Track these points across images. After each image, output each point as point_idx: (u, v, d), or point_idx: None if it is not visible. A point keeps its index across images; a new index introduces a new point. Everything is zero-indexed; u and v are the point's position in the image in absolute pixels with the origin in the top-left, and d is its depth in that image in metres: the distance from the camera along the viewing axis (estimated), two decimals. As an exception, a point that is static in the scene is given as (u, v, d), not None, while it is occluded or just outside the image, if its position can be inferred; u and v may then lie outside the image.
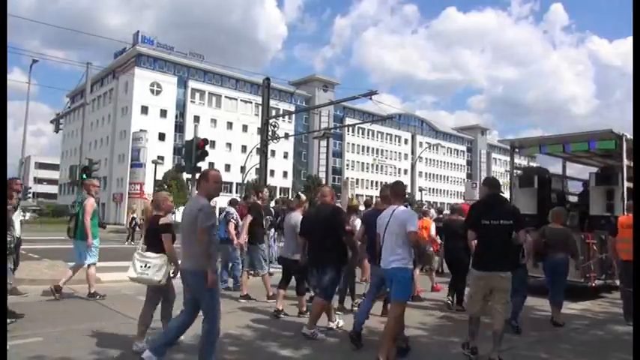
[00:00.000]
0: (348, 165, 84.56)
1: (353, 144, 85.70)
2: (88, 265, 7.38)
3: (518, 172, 11.06)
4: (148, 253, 4.74)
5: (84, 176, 17.59)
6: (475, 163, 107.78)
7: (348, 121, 75.64)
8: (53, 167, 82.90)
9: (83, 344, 4.66)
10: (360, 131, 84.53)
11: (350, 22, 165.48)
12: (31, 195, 43.49)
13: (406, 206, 4.98)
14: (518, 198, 10.04)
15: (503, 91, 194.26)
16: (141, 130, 56.87)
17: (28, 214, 45.46)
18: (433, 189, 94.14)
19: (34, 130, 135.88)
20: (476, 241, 4.96)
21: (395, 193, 5.00)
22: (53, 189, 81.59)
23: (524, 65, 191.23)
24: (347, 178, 75.34)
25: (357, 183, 75.28)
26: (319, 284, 5.58)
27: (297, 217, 6.41)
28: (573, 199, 11.47)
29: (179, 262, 4.49)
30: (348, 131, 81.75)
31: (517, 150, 10.71)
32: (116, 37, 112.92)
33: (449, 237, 7.64)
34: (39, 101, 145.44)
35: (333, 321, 5.79)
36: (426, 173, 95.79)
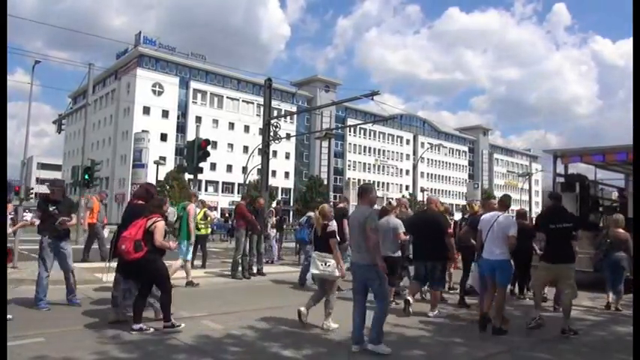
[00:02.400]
0: (349, 165, 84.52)
1: (355, 144, 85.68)
2: (185, 260, 8.60)
3: (560, 178, 11.74)
4: (325, 254, 5.87)
5: (86, 176, 17.59)
6: (477, 164, 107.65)
7: (350, 121, 75.64)
8: (55, 168, 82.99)
9: (84, 345, 4.66)
10: (362, 132, 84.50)
11: (352, 23, 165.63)
12: (33, 195, 43.55)
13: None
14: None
15: (506, 92, 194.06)
16: (143, 131, 56.97)
17: (30, 215, 45.54)
18: (435, 189, 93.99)
19: (36, 130, 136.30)
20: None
21: (502, 203, 6.52)
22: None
23: (527, 65, 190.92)
24: (349, 178, 75.51)
25: (358, 183, 75.33)
26: (432, 278, 6.92)
27: (394, 220, 7.28)
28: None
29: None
30: (350, 132, 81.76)
31: (559, 158, 11.43)
32: (119, 38, 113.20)
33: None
34: (41, 102, 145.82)
35: (433, 311, 6.84)
36: (427, 174, 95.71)
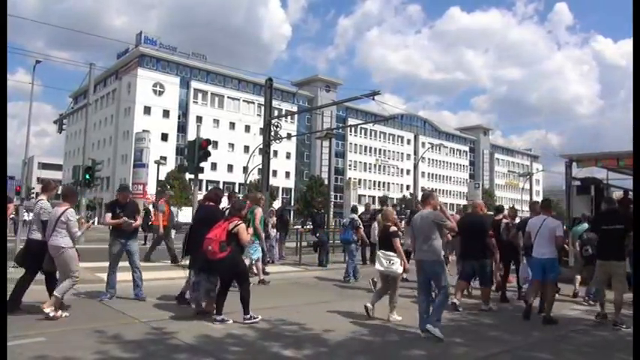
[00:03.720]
0: (350, 165, 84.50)
1: (355, 144, 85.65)
2: (256, 259, 9.13)
3: (576, 182, 12.13)
4: (389, 252, 6.48)
5: (87, 176, 17.58)
6: (478, 164, 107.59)
7: (351, 121, 75.61)
8: (56, 167, 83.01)
9: (87, 344, 4.66)
10: (363, 131, 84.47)
11: (353, 22, 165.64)
12: (34, 195, 43.59)
13: (554, 217, 7.29)
14: (576, 204, 11.50)
15: (507, 91, 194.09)
16: (144, 131, 56.89)
17: (31, 215, 45.59)
18: (436, 189, 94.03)
19: (37, 130, 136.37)
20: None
21: (545, 207, 7.33)
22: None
23: (528, 65, 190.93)
24: (349, 178, 75.33)
25: (359, 183, 75.25)
26: (483, 275, 7.50)
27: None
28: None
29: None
30: (351, 131, 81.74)
31: (574, 163, 11.85)
32: (120, 37, 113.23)
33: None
34: (42, 102, 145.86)
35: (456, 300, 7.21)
36: (428, 173, 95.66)
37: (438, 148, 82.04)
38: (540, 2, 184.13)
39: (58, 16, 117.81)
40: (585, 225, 8.56)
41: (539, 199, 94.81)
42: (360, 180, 78.47)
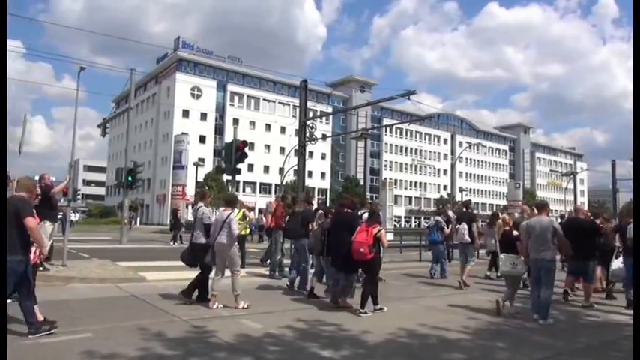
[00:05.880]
0: (386, 166, 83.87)
1: (391, 144, 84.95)
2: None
3: None
4: (512, 254, 7.05)
5: (129, 178, 18.13)
6: (518, 163, 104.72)
7: (386, 121, 75.03)
8: (101, 170, 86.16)
9: (130, 341, 4.80)
10: (399, 131, 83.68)
11: (389, 22, 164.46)
12: (80, 197, 45.30)
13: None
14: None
15: (549, 88, 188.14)
16: (182, 133, 58.34)
17: (77, 215, 47.45)
18: (474, 190, 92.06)
19: (82, 134, 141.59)
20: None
21: (629, 212, 8.08)
22: (101, 191, 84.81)
23: (571, 61, 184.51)
24: (385, 178, 74.59)
25: (395, 184, 74.31)
26: (587, 273, 8.07)
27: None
28: None
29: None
30: (386, 132, 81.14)
31: None
32: (158, 43, 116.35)
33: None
34: (87, 106, 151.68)
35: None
36: (466, 174, 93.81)
37: (476, 147, 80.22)
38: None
39: (100, 24, 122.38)
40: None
41: (584, 199, 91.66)
42: (396, 180, 77.47)
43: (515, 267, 7.05)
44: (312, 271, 8.60)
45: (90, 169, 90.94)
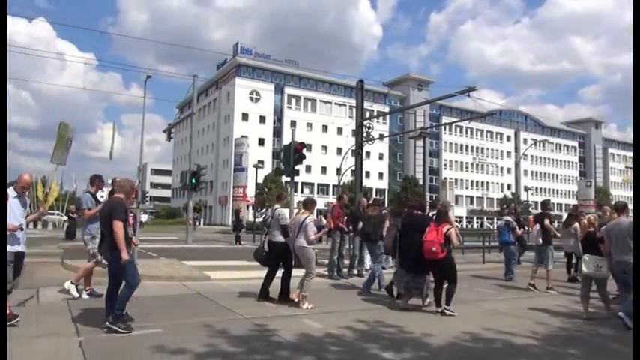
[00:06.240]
0: (445, 165, 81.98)
1: (451, 143, 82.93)
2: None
3: None
4: (595, 256, 6.92)
5: (193, 180, 18.84)
6: (589, 160, 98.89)
7: (445, 119, 73.34)
8: (166, 173, 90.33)
9: (196, 337, 4.99)
10: (458, 129, 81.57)
11: (446, 18, 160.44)
12: (148, 199, 47.69)
13: None
14: None
15: (623, 80, 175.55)
16: (242, 137, 60.00)
17: (146, 217, 50.00)
18: (541, 188, 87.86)
19: (149, 139, 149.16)
20: None
21: None
22: (167, 193, 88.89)
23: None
24: (445, 178, 73.17)
25: (455, 183, 72.65)
26: None
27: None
28: None
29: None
30: (445, 130, 79.31)
31: None
32: (218, 49, 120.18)
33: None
34: (153, 113, 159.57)
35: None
36: (532, 172, 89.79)
37: (542, 144, 76.57)
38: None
39: (164, 34, 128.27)
40: None
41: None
42: (456, 180, 75.80)
43: (599, 269, 6.85)
44: (388, 271, 8.74)
45: (156, 172, 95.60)
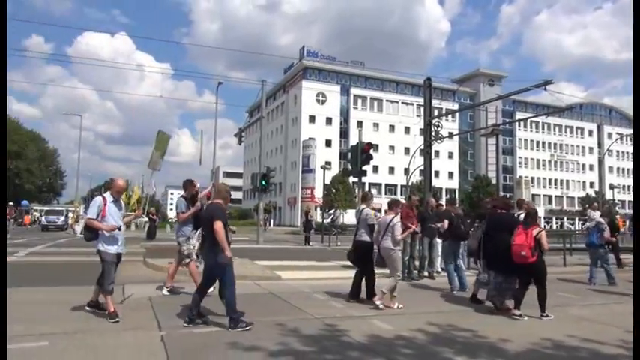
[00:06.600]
0: (520, 163, 78.26)
1: (526, 139, 79.03)
2: None
3: None
4: None
5: (263, 182, 19.33)
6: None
7: (519, 115, 69.98)
8: (237, 176, 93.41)
9: (269, 335, 5.10)
10: (534, 125, 77.56)
11: (518, 9, 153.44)
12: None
13: None
14: None
15: None
16: (309, 138, 60.81)
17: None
18: (628, 186, 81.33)
19: (221, 143, 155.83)
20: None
21: None
22: (238, 195, 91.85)
23: None
24: (520, 176, 69.72)
25: (532, 182, 69.06)
26: None
27: None
28: None
29: None
30: (520, 126, 75.70)
31: None
32: (285, 54, 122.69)
33: None
34: (225, 118, 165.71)
35: None
36: (617, 168, 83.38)
37: (628, 138, 70.88)
38: None
39: (234, 41, 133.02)
40: None
41: None
42: (532, 178, 72.02)
43: None
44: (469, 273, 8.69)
45: (228, 175, 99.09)
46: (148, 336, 5.02)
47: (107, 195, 5.97)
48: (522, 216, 7.77)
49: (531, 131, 78.87)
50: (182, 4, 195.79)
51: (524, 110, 74.77)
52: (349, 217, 28.65)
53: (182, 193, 7.99)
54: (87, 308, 5.96)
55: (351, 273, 8.83)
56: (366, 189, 59.11)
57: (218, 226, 5.35)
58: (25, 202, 52.38)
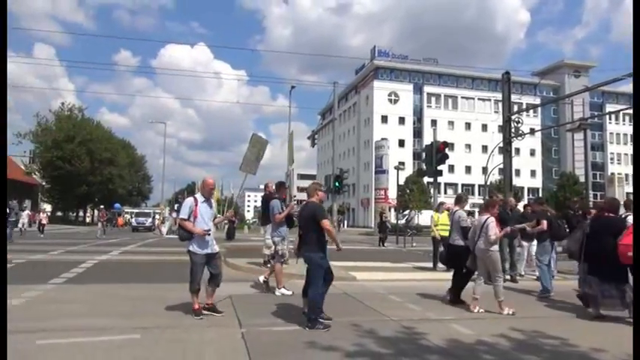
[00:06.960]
0: (612, 159, 72.59)
1: (618, 133, 73.14)
2: None
3: None
4: None
5: (337, 184, 19.46)
6: None
7: (610, 107, 64.89)
8: (311, 177, 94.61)
9: (345, 336, 5.12)
10: (627, 118, 71.44)
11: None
12: (296, 202, 50.54)
13: None
14: None
15: None
16: (382, 139, 60.26)
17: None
18: None
19: (295, 145, 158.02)
20: None
21: None
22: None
23: None
24: (612, 173, 64.41)
25: (625, 179, 63.54)
26: None
27: None
28: None
29: None
30: (611, 119, 70.13)
31: None
32: (356, 55, 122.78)
33: None
34: (298, 121, 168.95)
35: None
36: None
37: None
38: None
39: (305, 45, 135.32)
40: None
41: None
42: (626, 175, 66.27)
43: None
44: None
45: (302, 177, 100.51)
46: (230, 333, 5.22)
47: (198, 195, 6.15)
48: (630, 218, 7.15)
49: (624, 124, 72.78)
50: (256, 11, 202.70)
51: (615, 102, 69.29)
52: (424, 218, 28.04)
53: (261, 195, 8.28)
54: (204, 312, 5.94)
55: (427, 275, 8.67)
56: (442, 189, 57.69)
57: (326, 224, 5.46)
58: (117, 205, 56.69)
